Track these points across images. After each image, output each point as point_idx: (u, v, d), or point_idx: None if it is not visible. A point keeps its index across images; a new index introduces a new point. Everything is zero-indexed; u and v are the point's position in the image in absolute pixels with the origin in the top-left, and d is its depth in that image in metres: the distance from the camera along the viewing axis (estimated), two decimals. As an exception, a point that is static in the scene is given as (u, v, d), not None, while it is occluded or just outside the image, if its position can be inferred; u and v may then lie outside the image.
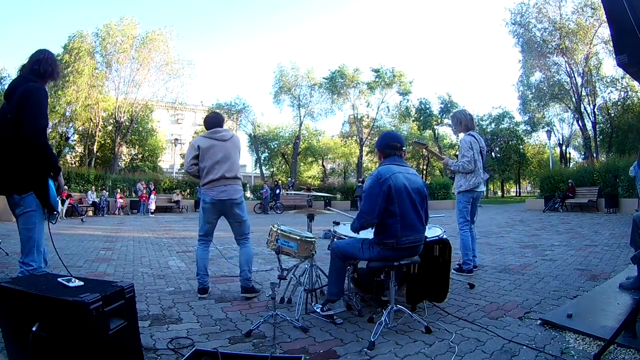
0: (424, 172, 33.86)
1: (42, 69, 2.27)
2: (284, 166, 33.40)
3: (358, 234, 2.42)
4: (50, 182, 2.24)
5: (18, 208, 2.18)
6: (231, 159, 3.12)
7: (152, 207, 16.49)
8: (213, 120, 3.27)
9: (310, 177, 35.14)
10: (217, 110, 28.62)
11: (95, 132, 23.32)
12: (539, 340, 2.12)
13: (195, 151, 3.11)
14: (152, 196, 16.82)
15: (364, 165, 31.08)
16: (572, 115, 25.03)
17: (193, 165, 3.13)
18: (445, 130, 33.64)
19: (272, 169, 34.27)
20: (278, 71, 28.51)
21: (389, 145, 2.48)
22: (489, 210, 15.86)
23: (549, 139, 23.15)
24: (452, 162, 4.06)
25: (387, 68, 28.34)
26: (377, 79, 28.20)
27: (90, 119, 22.62)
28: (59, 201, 2.36)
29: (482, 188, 4.06)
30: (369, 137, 29.90)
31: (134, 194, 18.27)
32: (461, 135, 4.19)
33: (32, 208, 2.18)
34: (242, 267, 3.10)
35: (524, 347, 2.03)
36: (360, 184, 20.12)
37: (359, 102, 29.30)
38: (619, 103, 23.17)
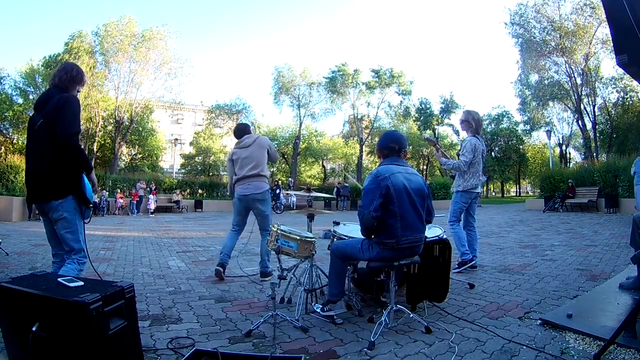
0: (424, 172, 33.85)
1: (58, 81, 2.37)
2: (284, 166, 33.42)
3: (370, 237, 2.35)
4: (84, 177, 2.36)
5: (56, 213, 2.25)
6: (255, 159, 3.67)
7: (152, 207, 16.49)
8: (238, 132, 3.91)
9: (310, 177, 35.15)
10: (218, 111, 28.79)
11: (95, 132, 23.32)
12: (539, 340, 2.12)
13: (230, 161, 3.82)
14: (151, 196, 16.81)
15: (364, 166, 31.10)
16: (572, 115, 25.03)
17: (234, 173, 3.78)
18: (446, 130, 33.68)
19: (272, 169, 34.29)
20: (276, 72, 28.62)
21: (387, 147, 2.48)
22: (489, 210, 15.85)
23: (549, 139, 23.13)
24: (444, 160, 4.07)
25: (387, 69, 28.45)
26: (376, 79, 28.25)
27: (90, 118, 22.61)
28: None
29: (480, 190, 4.09)
30: (369, 137, 29.94)
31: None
32: (463, 133, 4.23)
33: (71, 211, 2.27)
34: (262, 257, 3.65)
35: (524, 347, 2.03)
36: (339, 185, 21.00)
37: (358, 102, 29.38)
38: (618, 103, 23.18)
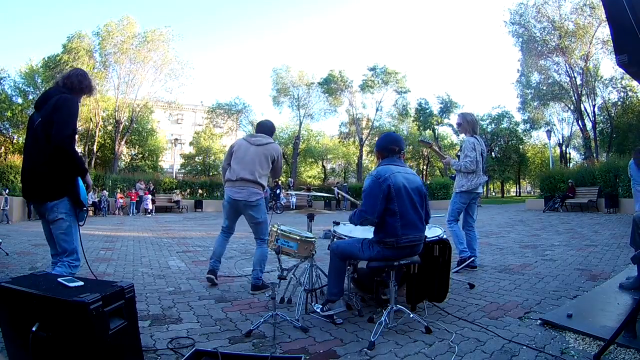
0: (424, 172, 33.86)
1: (69, 83, 2.38)
2: (284, 166, 33.42)
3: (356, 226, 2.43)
4: (79, 180, 2.35)
5: (52, 214, 2.23)
6: (256, 163, 3.26)
7: (150, 207, 16.45)
8: (260, 127, 3.53)
9: (310, 177, 35.15)
10: (218, 110, 28.80)
11: (95, 132, 23.32)
12: (539, 340, 2.12)
13: (230, 150, 3.40)
14: (145, 196, 16.75)
15: (364, 165, 31.11)
16: (572, 115, 25.04)
17: (228, 165, 3.38)
18: (445, 130, 33.68)
19: (272, 169, 34.22)
20: (274, 75, 28.71)
21: (386, 148, 2.49)
22: (489, 210, 15.85)
23: (549, 139, 23.13)
24: (454, 161, 4.11)
25: (381, 67, 28.52)
26: (372, 78, 28.27)
27: (90, 118, 22.62)
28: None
29: (481, 190, 4.13)
30: (369, 137, 29.94)
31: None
32: (462, 135, 4.27)
33: (67, 212, 2.25)
34: (254, 267, 3.28)
35: (524, 347, 2.03)
36: (337, 186, 21.10)
37: (355, 103, 29.42)
38: (618, 103, 23.18)
